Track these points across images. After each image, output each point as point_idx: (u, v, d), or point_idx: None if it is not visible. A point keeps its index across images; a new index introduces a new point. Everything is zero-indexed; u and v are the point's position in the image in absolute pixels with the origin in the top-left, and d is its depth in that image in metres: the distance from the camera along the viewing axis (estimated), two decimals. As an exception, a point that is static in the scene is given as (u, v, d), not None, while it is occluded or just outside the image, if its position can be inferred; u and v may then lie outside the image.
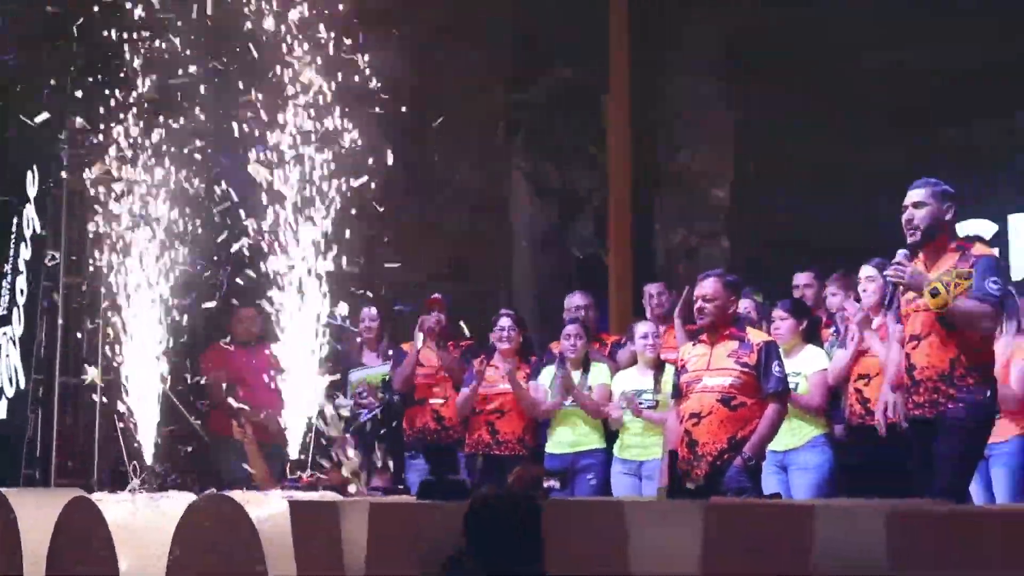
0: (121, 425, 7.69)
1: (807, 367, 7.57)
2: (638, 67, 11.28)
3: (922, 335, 5.88)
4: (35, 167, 9.34)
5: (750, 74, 10.59)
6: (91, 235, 8.76)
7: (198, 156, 8.33)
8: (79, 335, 8.94)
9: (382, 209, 8.11)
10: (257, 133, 7.73)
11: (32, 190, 9.37)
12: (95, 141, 8.55)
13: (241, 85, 8.03)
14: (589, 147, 11.74)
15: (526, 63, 11.88)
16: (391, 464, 8.06)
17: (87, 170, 8.62)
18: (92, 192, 8.52)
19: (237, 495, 6.21)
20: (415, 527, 5.16)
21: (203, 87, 8.33)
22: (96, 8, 8.54)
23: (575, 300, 8.77)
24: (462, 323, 8.82)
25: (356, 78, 7.80)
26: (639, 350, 8.14)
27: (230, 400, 8.04)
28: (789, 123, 10.11)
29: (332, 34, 7.75)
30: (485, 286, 11.24)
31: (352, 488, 6.87)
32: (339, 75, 7.71)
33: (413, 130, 9.96)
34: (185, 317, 8.15)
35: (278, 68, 7.69)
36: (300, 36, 7.71)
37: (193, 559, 6.16)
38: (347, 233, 7.54)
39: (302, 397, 7.09)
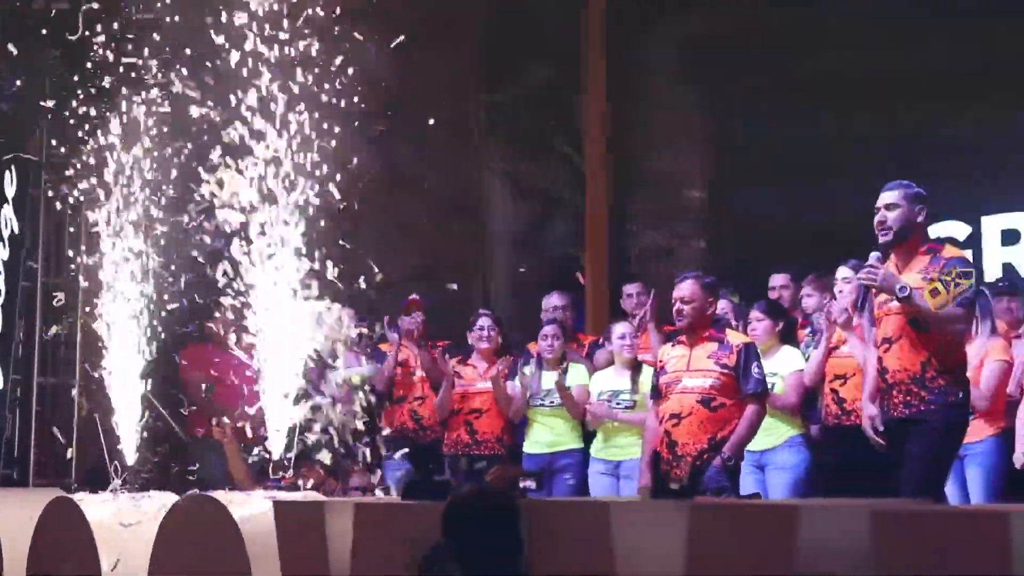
0: (103, 426, 7.68)
1: (783, 368, 7.63)
2: (614, 68, 11.31)
3: (894, 338, 5.91)
4: (13, 167, 9.31)
5: (725, 75, 10.62)
6: (68, 235, 8.75)
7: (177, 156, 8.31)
8: (58, 335, 8.92)
9: (357, 209, 8.11)
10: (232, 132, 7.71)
11: (10, 191, 9.34)
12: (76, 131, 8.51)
13: (211, 82, 8.01)
14: (565, 148, 11.76)
15: (501, 64, 11.89)
16: (369, 463, 8.10)
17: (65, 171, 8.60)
18: (70, 193, 8.50)
19: (220, 495, 6.21)
20: (400, 527, 5.17)
21: (176, 82, 8.29)
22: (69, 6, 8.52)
23: (552, 300, 8.82)
24: None
25: (331, 78, 7.79)
26: (616, 350, 8.18)
27: (209, 400, 8.04)
28: (764, 124, 10.14)
29: (307, 33, 7.74)
30: (461, 287, 11.25)
31: (332, 487, 6.91)
32: (313, 75, 7.70)
33: (388, 131, 9.96)
34: (165, 316, 8.13)
35: (248, 67, 7.67)
36: (272, 36, 7.69)
37: (176, 559, 6.16)
38: (320, 235, 7.54)
39: (283, 398, 7.08)
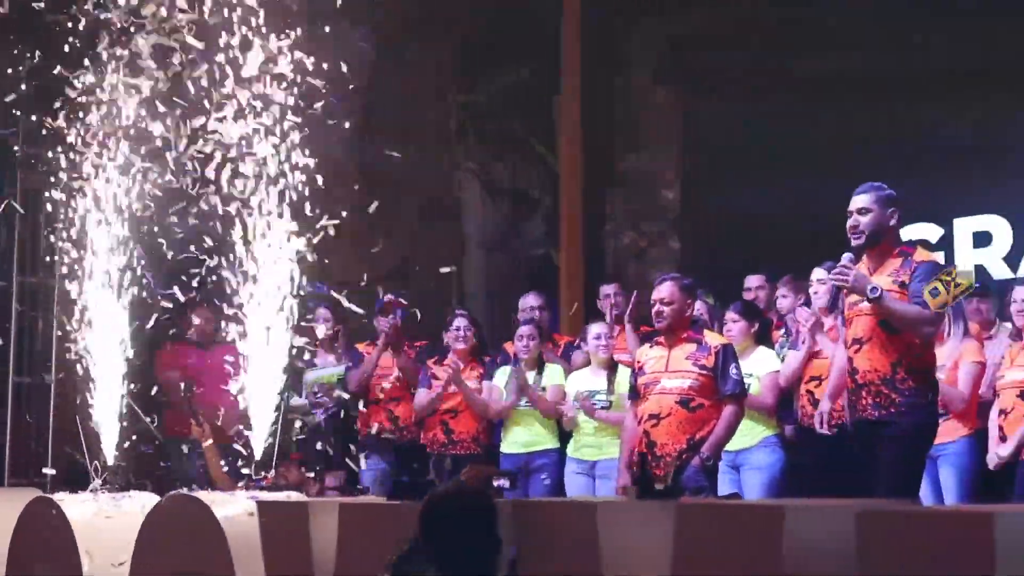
0: (82, 426, 7.66)
1: (759, 368, 7.68)
2: (589, 68, 11.35)
3: (865, 338, 5.94)
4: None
5: (700, 76, 10.69)
6: (44, 233, 8.72)
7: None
8: (33, 334, 8.90)
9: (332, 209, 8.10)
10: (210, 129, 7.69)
11: None
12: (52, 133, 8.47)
13: (191, 84, 7.99)
14: (540, 148, 11.81)
15: (477, 63, 11.92)
16: (346, 463, 8.12)
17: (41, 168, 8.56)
18: (47, 191, 8.46)
19: (202, 495, 6.22)
20: (385, 527, 5.20)
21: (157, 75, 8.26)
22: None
23: (529, 301, 8.84)
24: None
25: (306, 77, 7.78)
26: (592, 351, 8.21)
27: (188, 399, 8.02)
28: (739, 125, 10.21)
29: (285, 31, 7.73)
30: (436, 286, 11.27)
31: (311, 487, 6.92)
32: (288, 74, 7.69)
33: (363, 130, 9.96)
34: (143, 315, 8.10)
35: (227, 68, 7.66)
36: (247, 34, 7.68)
37: (158, 559, 6.17)
38: (298, 235, 7.54)
39: (264, 397, 7.09)
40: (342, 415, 8.73)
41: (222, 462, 7.58)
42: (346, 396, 8.69)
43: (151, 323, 8.09)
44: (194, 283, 7.87)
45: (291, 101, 7.51)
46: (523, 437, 8.27)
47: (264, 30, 7.55)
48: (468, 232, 12.01)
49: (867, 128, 9.58)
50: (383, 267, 10.52)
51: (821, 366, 7.39)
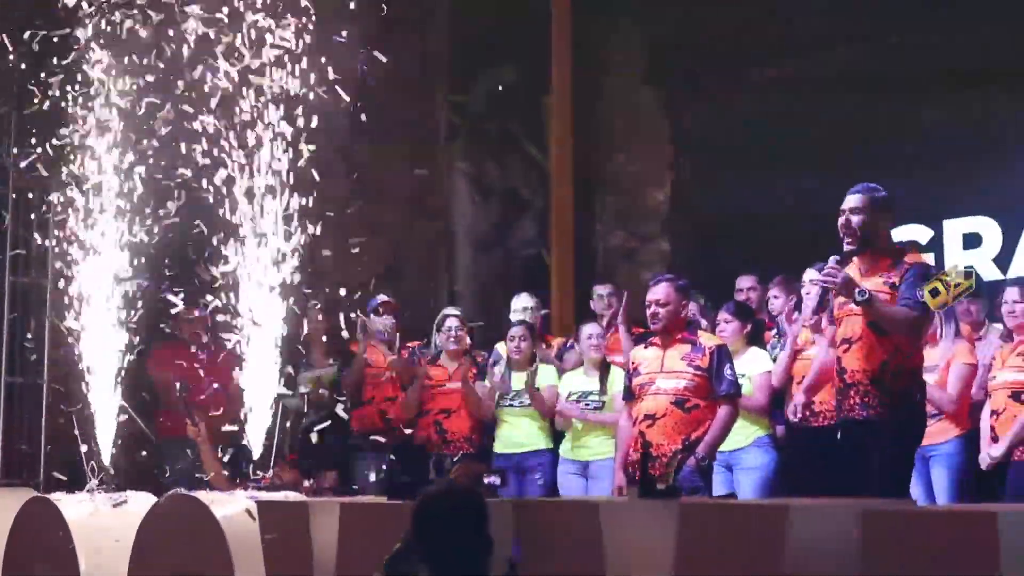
0: (77, 427, 7.65)
1: (751, 369, 7.71)
2: (579, 69, 11.36)
3: (854, 339, 5.97)
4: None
5: (690, 77, 10.71)
6: (37, 233, 8.70)
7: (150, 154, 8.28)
8: (27, 334, 8.88)
9: (322, 210, 8.12)
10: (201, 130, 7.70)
11: None
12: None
13: (180, 85, 8.00)
14: (530, 148, 11.82)
15: (467, 64, 11.92)
16: (339, 463, 8.13)
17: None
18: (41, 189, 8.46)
19: (201, 495, 6.22)
20: (385, 527, 5.20)
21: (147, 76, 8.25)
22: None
23: (521, 301, 8.85)
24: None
25: (295, 78, 7.79)
26: (584, 351, 8.22)
27: (183, 399, 8.01)
28: (729, 125, 10.23)
29: (272, 33, 7.73)
30: (427, 287, 11.29)
31: (307, 487, 6.93)
32: (277, 76, 7.70)
33: (353, 131, 9.95)
34: (136, 316, 8.10)
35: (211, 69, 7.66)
36: (236, 36, 7.68)
37: (157, 559, 6.17)
38: (291, 237, 7.56)
39: (262, 396, 7.10)
40: (336, 415, 8.72)
41: (218, 461, 7.58)
42: (340, 396, 8.70)
43: (144, 323, 8.09)
44: (187, 283, 7.88)
45: (281, 101, 7.53)
46: (516, 437, 8.28)
47: (253, 34, 7.58)
48: (458, 232, 12.00)
49: (858, 129, 9.59)
50: (373, 268, 10.53)
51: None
